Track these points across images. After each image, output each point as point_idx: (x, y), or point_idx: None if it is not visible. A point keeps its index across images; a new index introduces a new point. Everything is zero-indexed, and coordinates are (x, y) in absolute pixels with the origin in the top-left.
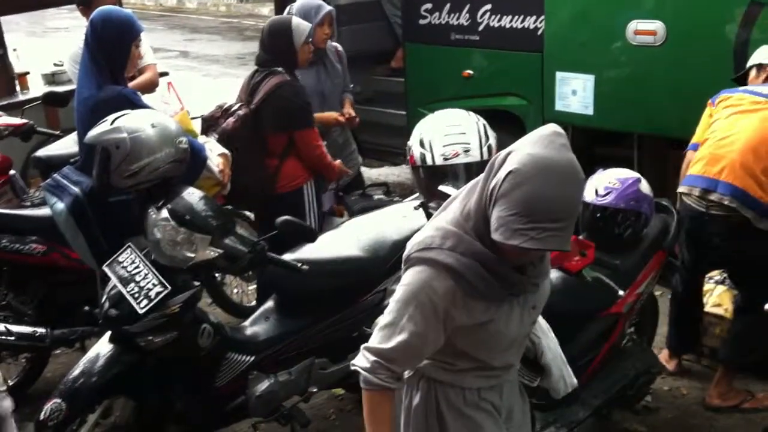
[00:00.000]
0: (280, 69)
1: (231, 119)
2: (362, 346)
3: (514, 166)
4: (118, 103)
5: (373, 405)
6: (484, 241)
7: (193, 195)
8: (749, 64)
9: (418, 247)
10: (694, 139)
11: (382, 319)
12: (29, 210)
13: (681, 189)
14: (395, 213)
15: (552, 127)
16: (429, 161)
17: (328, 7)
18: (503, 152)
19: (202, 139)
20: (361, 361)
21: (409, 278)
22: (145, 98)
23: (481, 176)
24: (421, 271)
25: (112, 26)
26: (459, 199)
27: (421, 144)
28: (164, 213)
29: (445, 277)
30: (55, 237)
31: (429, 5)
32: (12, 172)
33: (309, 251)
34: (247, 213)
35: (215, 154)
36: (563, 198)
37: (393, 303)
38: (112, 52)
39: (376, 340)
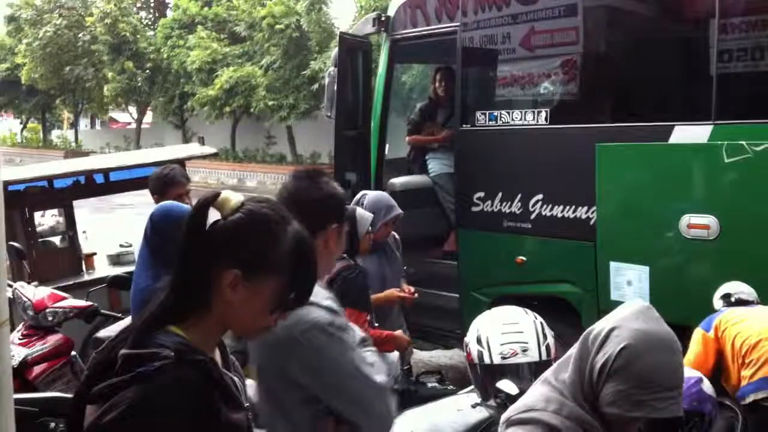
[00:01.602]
0: (344, 255)
1: None
2: None
3: (626, 342)
4: None
5: None
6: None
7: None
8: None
9: (522, 409)
10: (693, 366)
11: None
12: None
13: (757, 396)
14: (450, 406)
15: (641, 303)
16: (486, 359)
17: (398, 210)
18: (598, 328)
19: None
20: None
21: None
22: None
23: (572, 354)
24: (523, 430)
25: (170, 221)
26: (542, 382)
27: (479, 341)
28: None
29: None
30: None
31: (481, 194)
32: (73, 353)
33: None
34: None
35: None
36: (675, 367)
37: None
38: (169, 246)
39: None
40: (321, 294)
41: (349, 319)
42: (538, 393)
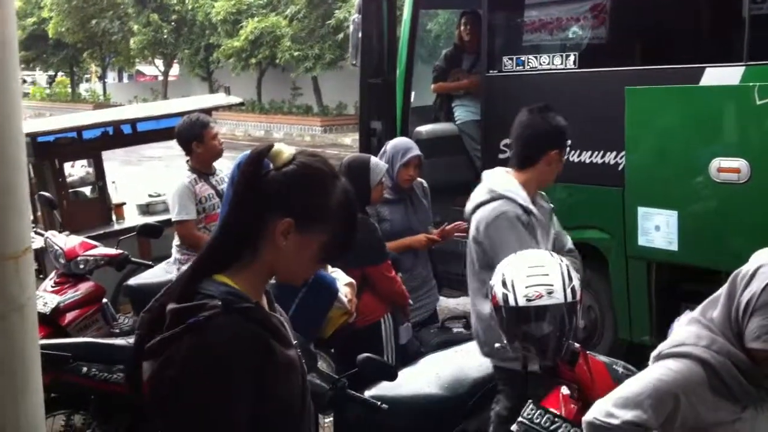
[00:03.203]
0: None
1: None
2: (586, 420)
3: None
4: None
5: None
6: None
7: None
8: None
9: (673, 344)
10: None
11: (619, 393)
12: (118, 339)
13: None
14: (475, 349)
15: None
16: (512, 302)
17: (416, 152)
18: (746, 268)
19: (329, 270)
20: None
21: (660, 370)
22: None
23: (720, 293)
24: (674, 363)
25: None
26: (691, 321)
27: (504, 284)
28: None
29: (698, 371)
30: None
31: (507, 140)
32: (104, 300)
33: (388, 388)
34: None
35: (342, 284)
36: None
37: (635, 386)
38: None
39: (610, 408)
40: None
41: (377, 277)
42: (688, 330)
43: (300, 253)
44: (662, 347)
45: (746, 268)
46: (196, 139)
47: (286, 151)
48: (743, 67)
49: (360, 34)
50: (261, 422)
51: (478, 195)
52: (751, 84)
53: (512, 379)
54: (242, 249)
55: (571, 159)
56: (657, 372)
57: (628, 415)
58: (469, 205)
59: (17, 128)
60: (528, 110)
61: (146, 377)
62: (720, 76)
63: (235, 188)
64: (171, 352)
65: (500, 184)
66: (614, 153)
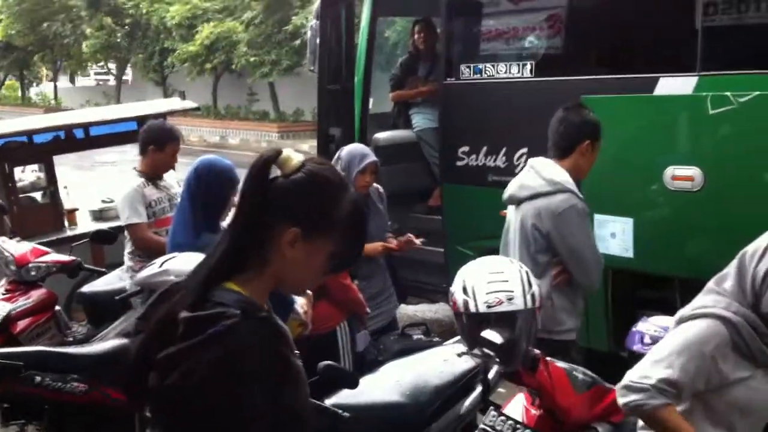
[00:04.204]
0: None
1: None
2: (622, 385)
3: None
4: None
5: (666, 420)
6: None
7: None
8: None
9: (693, 308)
10: None
11: (649, 357)
12: (71, 348)
13: None
14: (436, 356)
15: None
16: (472, 308)
17: (372, 158)
18: (753, 247)
19: None
20: (631, 392)
21: (685, 330)
22: None
23: (729, 271)
24: (698, 322)
25: (214, 175)
26: (706, 292)
27: (464, 290)
28: None
29: (721, 328)
30: (96, 376)
31: (466, 148)
32: (57, 308)
33: (349, 396)
34: None
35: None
36: None
37: (664, 347)
38: (212, 200)
39: (643, 370)
40: None
41: (333, 285)
42: (705, 298)
43: (307, 262)
44: (684, 311)
45: (754, 247)
46: (158, 144)
47: (295, 158)
48: (696, 77)
49: (318, 40)
50: (276, 431)
51: (533, 183)
52: (704, 94)
53: (566, 350)
54: (252, 258)
55: None
56: (683, 332)
57: (661, 373)
58: (523, 192)
59: None
60: (563, 108)
61: (155, 386)
62: (674, 85)
63: (242, 194)
64: (192, 363)
65: (559, 175)
66: None
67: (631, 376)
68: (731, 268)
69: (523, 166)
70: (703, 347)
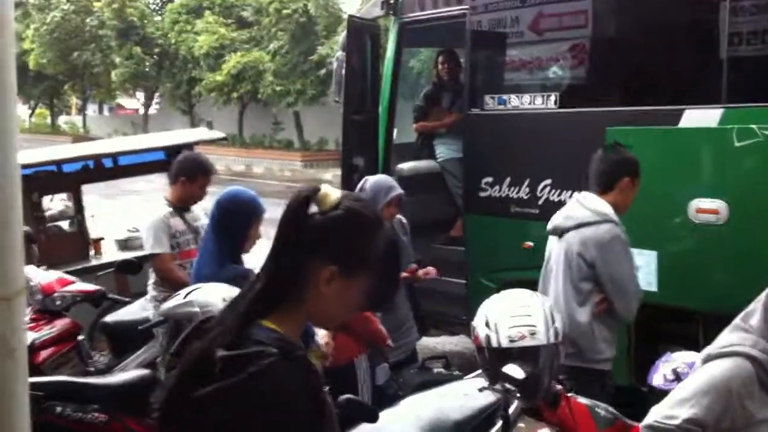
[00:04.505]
0: None
1: None
2: (646, 425)
3: None
4: (237, 283)
5: None
6: None
7: None
8: None
9: (719, 346)
10: None
11: (674, 395)
12: (93, 378)
13: None
14: (457, 390)
15: None
16: (494, 343)
17: (398, 190)
18: None
19: None
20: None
21: (712, 369)
22: None
23: (757, 306)
24: (725, 361)
25: (236, 205)
26: (733, 328)
27: (487, 325)
28: None
29: (748, 366)
30: (117, 406)
31: (489, 178)
32: (80, 337)
33: (369, 430)
34: None
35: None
36: None
37: (689, 386)
38: (234, 230)
39: (668, 410)
40: None
41: (354, 317)
42: (731, 335)
43: (341, 298)
44: (710, 349)
45: None
46: (189, 176)
47: (332, 194)
48: (722, 110)
49: (343, 71)
50: None
51: (578, 214)
52: (729, 126)
53: (603, 380)
54: (288, 294)
55: (551, 198)
56: (709, 371)
57: (687, 413)
58: (568, 222)
59: (13, 163)
60: (603, 148)
61: (191, 423)
62: (699, 118)
63: (280, 230)
64: (233, 401)
65: (604, 207)
66: None
67: (655, 415)
68: (758, 304)
69: (546, 198)
70: (730, 385)
